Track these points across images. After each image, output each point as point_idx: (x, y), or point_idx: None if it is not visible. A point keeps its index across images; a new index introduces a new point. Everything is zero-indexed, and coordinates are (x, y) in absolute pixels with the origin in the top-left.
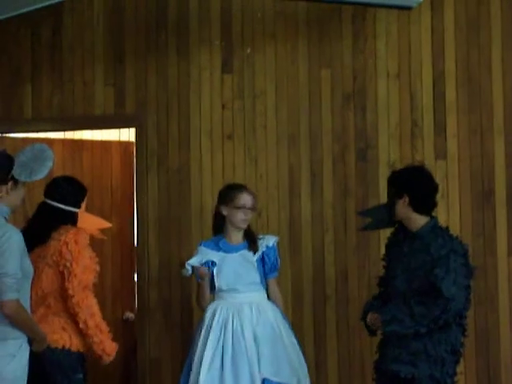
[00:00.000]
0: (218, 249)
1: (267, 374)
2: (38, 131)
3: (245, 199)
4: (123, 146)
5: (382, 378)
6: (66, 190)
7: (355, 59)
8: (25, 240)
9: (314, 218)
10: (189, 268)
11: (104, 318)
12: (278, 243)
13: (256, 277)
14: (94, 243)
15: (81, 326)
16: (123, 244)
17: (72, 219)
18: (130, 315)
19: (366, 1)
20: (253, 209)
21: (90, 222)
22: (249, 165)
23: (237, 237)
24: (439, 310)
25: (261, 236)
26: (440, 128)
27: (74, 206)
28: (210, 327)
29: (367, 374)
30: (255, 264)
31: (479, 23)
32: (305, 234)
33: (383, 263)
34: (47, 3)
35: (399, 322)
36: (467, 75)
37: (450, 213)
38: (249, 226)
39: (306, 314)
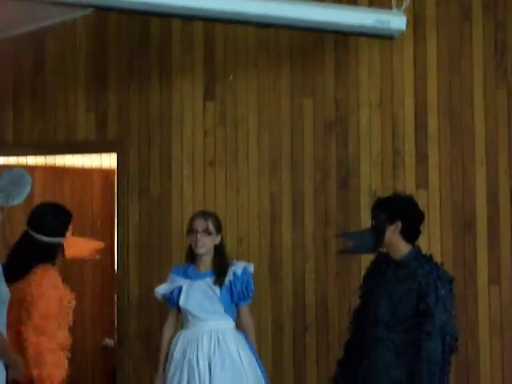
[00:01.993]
0: (186, 276)
1: None
2: (18, 155)
3: (196, 223)
4: (104, 173)
5: None
6: (51, 221)
7: (337, 88)
8: (6, 273)
9: (295, 247)
10: (158, 295)
11: (83, 345)
12: (257, 271)
13: (219, 306)
14: (74, 268)
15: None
16: (103, 270)
17: (56, 250)
18: (109, 342)
19: (348, 30)
20: (206, 232)
21: (79, 247)
22: (230, 193)
23: (204, 264)
24: (439, 341)
25: (233, 262)
26: (421, 157)
27: (59, 236)
28: (171, 360)
29: None
30: (218, 294)
31: (461, 53)
32: (285, 262)
33: (359, 293)
34: (30, 28)
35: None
36: (449, 105)
37: (431, 242)
38: (219, 255)
39: (285, 341)
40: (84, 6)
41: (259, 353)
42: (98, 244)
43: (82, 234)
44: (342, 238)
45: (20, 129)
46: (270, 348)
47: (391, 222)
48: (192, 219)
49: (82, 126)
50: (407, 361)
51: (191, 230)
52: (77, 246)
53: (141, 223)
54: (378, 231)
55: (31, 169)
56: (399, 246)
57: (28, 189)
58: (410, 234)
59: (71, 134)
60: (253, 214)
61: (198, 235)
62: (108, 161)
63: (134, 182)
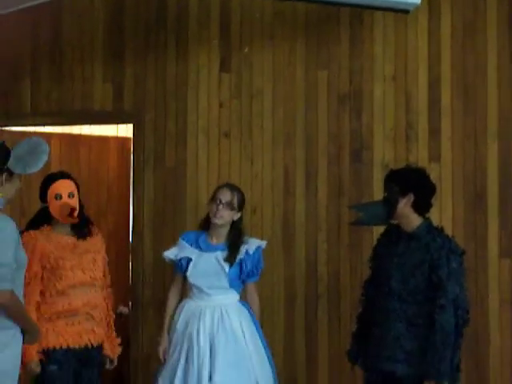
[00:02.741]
0: (197, 245)
1: (219, 380)
2: (36, 125)
3: (222, 194)
4: (120, 141)
5: (374, 377)
6: (40, 188)
7: (352, 62)
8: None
9: (308, 217)
10: (166, 258)
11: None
12: (270, 240)
13: (225, 282)
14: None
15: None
16: (119, 239)
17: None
18: (123, 309)
19: (364, 3)
20: (229, 205)
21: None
22: (244, 163)
23: (217, 236)
24: (452, 314)
25: (247, 239)
26: (434, 131)
27: (43, 202)
28: (175, 329)
29: (357, 370)
30: (227, 270)
31: (475, 28)
32: (298, 233)
33: (370, 265)
34: None
35: (444, 360)
36: (462, 80)
37: (443, 215)
38: (235, 231)
39: (297, 311)
40: None
41: (270, 324)
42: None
43: (97, 202)
44: (354, 209)
45: (37, 99)
46: (283, 316)
47: (404, 194)
48: (218, 189)
49: (99, 96)
50: (419, 333)
51: (214, 200)
52: (54, 209)
53: (156, 192)
54: (390, 203)
55: (48, 136)
56: (411, 219)
57: (45, 157)
58: (422, 206)
59: (88, 104)
60: (266, 184)
61: (220, 206)
62: (124, 131)
63: (149, 152)
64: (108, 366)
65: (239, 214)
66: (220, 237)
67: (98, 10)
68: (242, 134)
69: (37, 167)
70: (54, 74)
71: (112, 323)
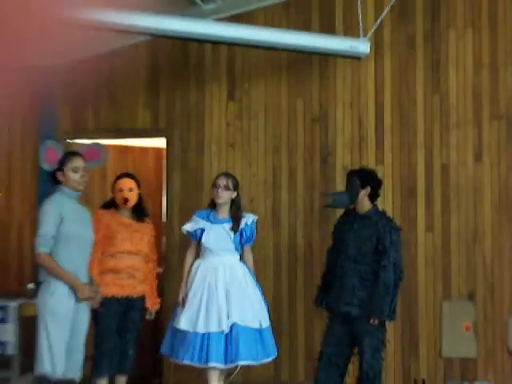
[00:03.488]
0: (208, 219)
1: (235, 320)
2: (96, 139)
3: (219, 180)
4: (156, 150)
5: (335, 316)
6: None
7: (321, 93)
8: None
9: (290, 204)
10: (184, 231)
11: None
12: (263, 221)
13: (231, 245)
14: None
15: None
16: (155, 220)
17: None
18: (159, 269)
19: (329, 52)
20: (226, 187)
21: None
22: (245, 166)
23: (222, 212)
24: (392, 272)
25: (245, 214)
26: (379, 143)
27: (112, 193)
28: (193, 281)
29: (324, 312)
30: (232, 236)
31: (407, 69)
32: (283, 216)
33: (332, 236)
34: (106, 49)
35: (385, 304)
36: (398, 106)
37: (386, 202)
38: (235, 207)
39: (283, 270)
40: (143, 34)
41: (263, 279)
42: None
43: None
44: (325, 196)
45: (98, 119)
46: (272, 273)
47: (363, 186)
48: (217, 177)
49: (141, 118)
50: (368, 285)
51: (215, 185)
52: None
53: (182, 187)
54: (353, 193)
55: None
56: (365, 204)
57: (79, 159)
58: (374, 196)
59: (133, 123)
60: (260, 181)
61: (220, 189)
62: (159, 143)
63: (177, 158)
64: (147, 316)
65: (235, 193)
66: (224, 212)
67: (141, 55)
68: (243, 145)
69: (77, 161)
70: (110, 102)
71: (155, 286)
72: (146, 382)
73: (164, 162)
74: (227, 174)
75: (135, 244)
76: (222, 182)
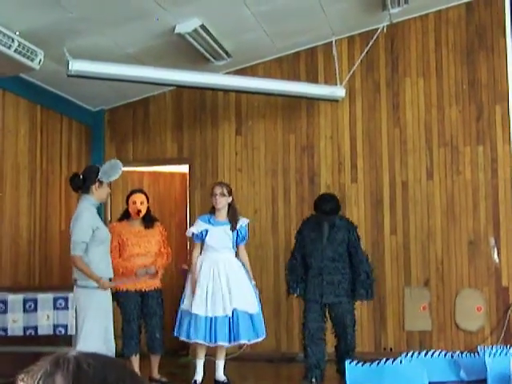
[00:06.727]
0: (209, 222)
1: (236, 305)
2: (135, 166)
3: (216, 189)
4: (182, 175)
5: (314, 304)
6: None
7: (308, 128)
8: None
9: (285, 215)
10: (189, 234)
11: (170, 267)
12: (265, 227)
13: (230, 244)
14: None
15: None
16: (181, 228)
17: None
18: (185, 266)
19: (314, 97)
20: (221, 194)
21: None
22: (250, 186)
23: (221, 215)
24: (368, 264)
25: (240, 218)
26: (354, 166)
27: (127, 205)
28: (199, 273)
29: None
30: (231, 236)
31: (375, 108)
32: (280, 223)
33: (297, 237)
34: (140, 97)
35: (366, 290)
36: (368, 137)
37: (359, 212)
38: (232, 210)
39: (280, 266)
40: (169, 85)
41: (265, 272)
42: None
43: (169, 208)
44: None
45: (136, 151)
46: (272, 268)
47: (339, 210)
48: (213, 187)
49: (170, 150)
50: (349, 278)
51: (213, 194)
52: None
53: (201, 203)
54: (334, 213)
55: (141, 173)
56: (336, 216)
57: (120, 171)
58: (339, 210)
59: (164, 154)
60: (262, 198)
61: (217, 196)
62: (184, 169)
63: (197, 181)
64: (150, 271)
65: (231, 198)
66: (222, 215)
67: (168, 102)
68: (248, 169)
69: (116, 177)
70: (145, 138)
71: (165, 260)
72: (176, 353)
73: (187, 183)
74: (221, 183)
75: (143, 247)
76: (219, 190)
